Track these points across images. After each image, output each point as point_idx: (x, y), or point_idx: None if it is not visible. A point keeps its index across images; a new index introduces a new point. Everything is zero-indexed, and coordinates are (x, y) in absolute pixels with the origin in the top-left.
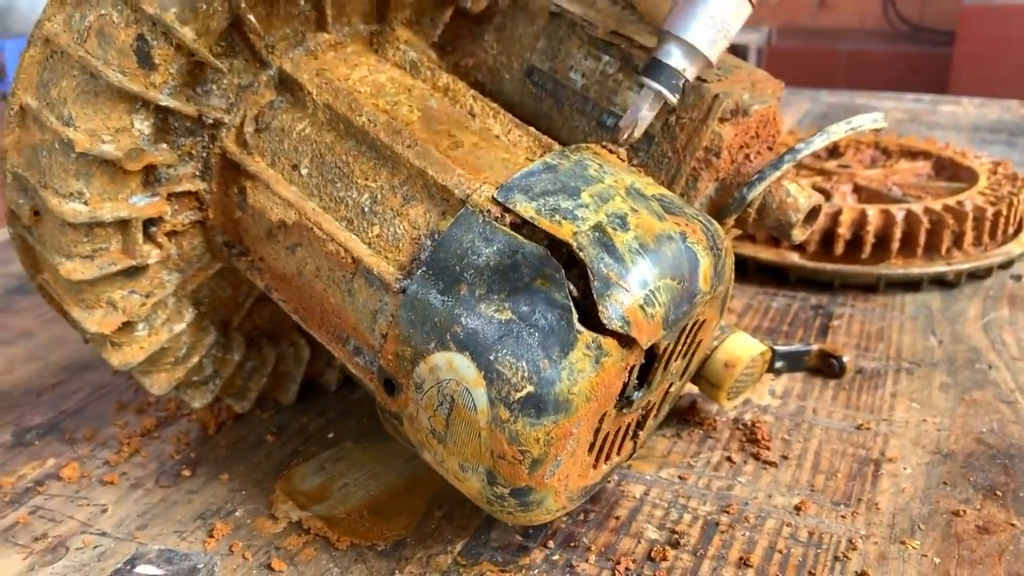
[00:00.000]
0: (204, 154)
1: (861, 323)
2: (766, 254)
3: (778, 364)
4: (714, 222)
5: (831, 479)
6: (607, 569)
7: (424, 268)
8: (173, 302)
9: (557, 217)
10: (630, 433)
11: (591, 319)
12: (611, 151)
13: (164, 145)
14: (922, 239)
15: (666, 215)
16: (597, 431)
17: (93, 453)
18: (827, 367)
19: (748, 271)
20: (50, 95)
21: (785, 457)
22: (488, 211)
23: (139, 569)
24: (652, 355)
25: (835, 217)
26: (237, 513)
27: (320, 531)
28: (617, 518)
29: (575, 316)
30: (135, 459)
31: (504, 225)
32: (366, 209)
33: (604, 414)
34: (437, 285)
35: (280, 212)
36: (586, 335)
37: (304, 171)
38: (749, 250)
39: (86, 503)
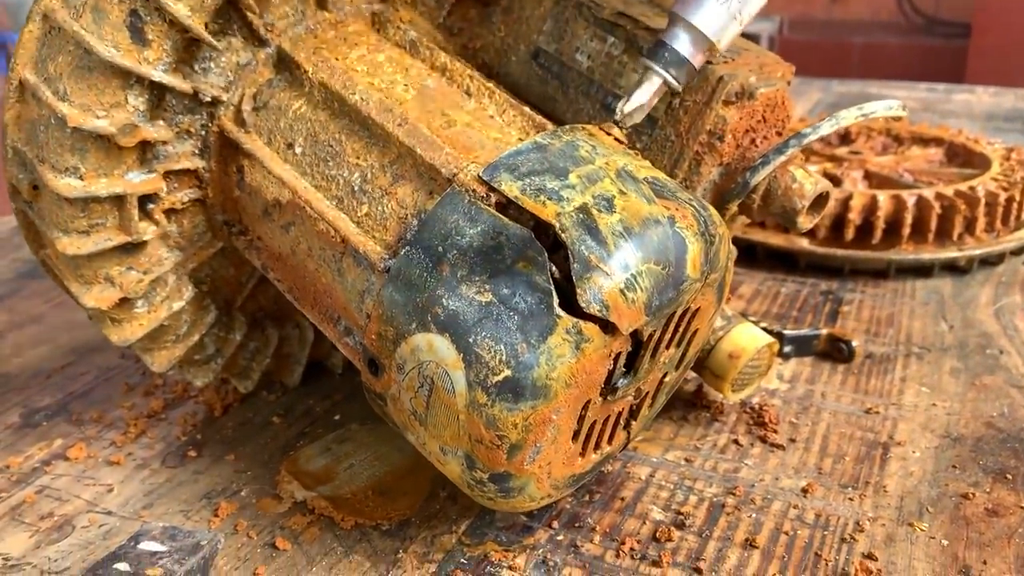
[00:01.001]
0: (203, 132)
1: (871, 308)
2: (776, 240)
3: (787, 348)
4: (709, 207)
5: (839, 462)
6: (611, 549)
7: (408, 247)
8: (173, 280)
9: (542, 197)
10: (622, 423)
11: (574, 303)
12: (609, 132)
13: (160, 122)
14: (933, 225)
15: (656, 199)
16: (582, 418)
17: (100, 434)
18: (836, 351)
19: (758, 257)
20: (47, 70)
21: (793, 440)
22: (474, 191)
23: (143, 545)
24: (640, 342)
25: (845, 203)
26: (242, 493)
27: (325, 511)
28: (622, 499)
29: (555, 300)
30: (142, 440)
31: (489, 205)
32: (356, 188)
33: (588, 401)
34: (420, 265)
35: (275, 191)
36: (566, 320)
37: (298, 150)
38: (759, 236)
39: (92, 483)
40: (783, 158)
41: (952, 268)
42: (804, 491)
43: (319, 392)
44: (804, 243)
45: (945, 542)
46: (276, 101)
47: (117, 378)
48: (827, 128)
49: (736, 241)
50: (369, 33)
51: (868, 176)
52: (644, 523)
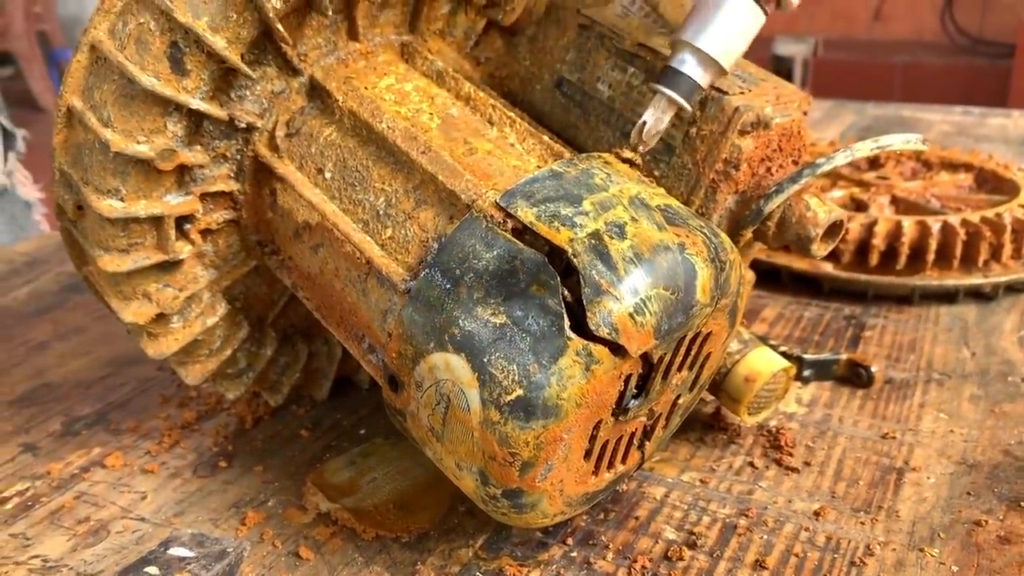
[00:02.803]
0: (238, 156)
1: (893, 334)
2: (800, 264)
3: (806, 373)
4: (721, 234)
5: (852, 486)
6: (624, 567)
7: (428, 269)
8: (207, 297)
9: (556, 223)
10: (635, 443)
11: (584, 326)
12: (626, 159)
13: (198, 147)
14: (958, 251)
15: (667, 226)
16: (593, 438)
17: (136, 443)
18: (855, 376)
19: (782, 281)
20: (93, 98)
21: (808, 464)
22: (491, 216)
23: (172, 551)
24: (651, 365)
25: (870, 228)
26: (269, 503)
27: (347, 522)
28: (636, 518)
29: (566, 323)
30: (175, 450)
31: (505, 230)
32: (381, 212)
33: (600, 421)
34: (439, 286)
35: (305, 214)
36: (576, 342)
37: (328, 175)
38: (783, 260)
39: (127, 490)
40: (797, 187)
41: (977, 295)
42: (816, 514)
43: (346, 407)
44: (828, 268)
45: (955, 568)
46: (308, 128)
47: (153, 390)
48: (841, 159)
49: (760, 265)
50: (398, 63)
51: (895, 201)
52: (657, 542)
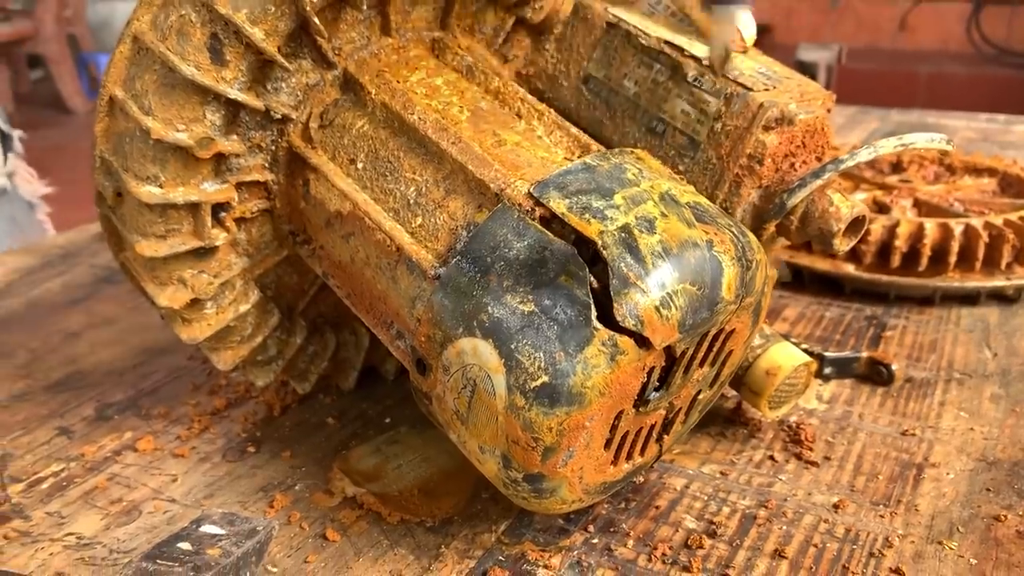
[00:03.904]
0: (273, 147)
1: (914, 334)
2: (822, 264)
3: (827, 370)
4: (749, 234)
5: (872, 480)
6: (644, 554)
7: (459, 257)
8: (240, 284)
9: (587, 215)
10: (654, 436)
11: (610, 317)
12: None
13: (234, 136)
14: (981, 253)
15: (696, 223)
16: (614, 428)
17: (167, 429)
18: (876, 374)
19: (803, 281)
20: (135, 87)
21: (828, 458)
22: (522, 206)
23: (204, 528)
24: (673, 358)
25: (892, 230)
26: (297, 487)
27: (373, 506)
28: (657, 507)
29: (593, 313)
30: (205, 435)
31: (535, 220)
32: (411, 201)
33: (621, 412)
34: (470, 274)
35: (337, 203)
36: (603, 332)
37: (360, 165)
38: (805, 260)
39: (158, 473)
40: (820, 182)
41: (999, 297)
42: (836, 507)
43: (372, 397)
44: (850, 269)
45: (974, 561)
46: (341, 120)
47: (184, 378)
48: (864, 155)
49: (782, 264)
50: (429, 58)
51: (918, 205)
52: (677, 530)
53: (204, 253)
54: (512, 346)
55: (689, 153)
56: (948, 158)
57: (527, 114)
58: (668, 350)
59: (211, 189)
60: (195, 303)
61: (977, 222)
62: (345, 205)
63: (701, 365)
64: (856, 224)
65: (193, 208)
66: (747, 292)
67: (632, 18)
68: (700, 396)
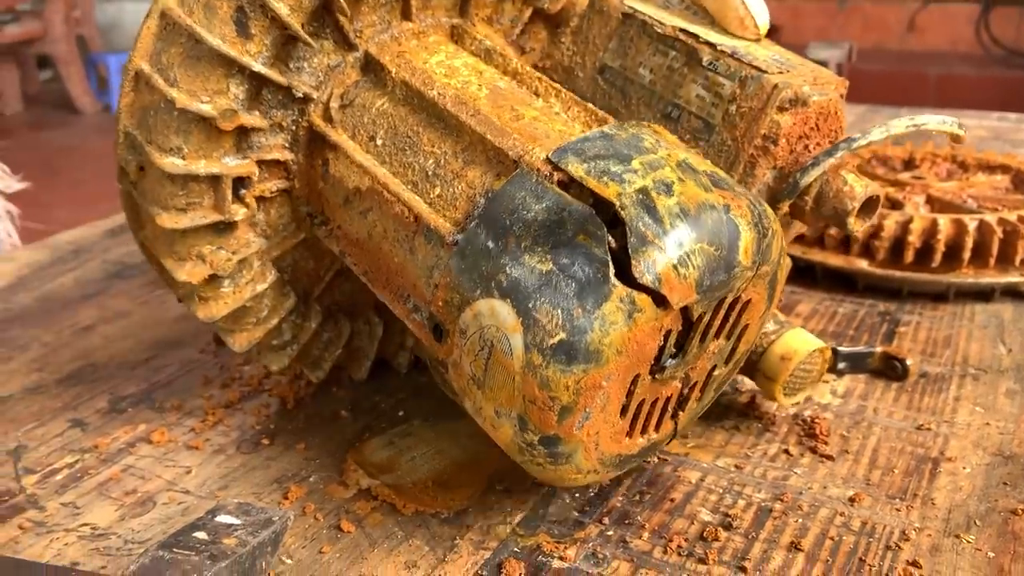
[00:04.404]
0: (293, 127)
1: (928, 330)
2: (835, 260)
3: (841, 365)
4: (764, 204)
5: (888, 474)
6: (660, 545)
7: (477, 221)
8: (258, 264)
9: (605, 179)
10: (669, 411)
11: (628, 276)
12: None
13: (256, 113)
14: (995, 249)
15: (713, 188)
16: (631, 394)
17: (180, 421)
18: (890, 369)
19: (816, 277)
20: (161, 61)
21: (843, 452)
22: (540, 170)
23: (220, 518)
24: (690, 324)
25: (905, 225)
26: (311, 479)
27: (387, 498)
28: (672, 500)
29: (612, 271)
30: (218, 428)
31: (553, 184)
32: (430, 172)
33: (638, 376)
34: (488, 236)
35: (356, 180)
36: (620, 289)
37: (379, 141)
38: (818, 256)
39: (172, 464)
40: (833, 160)
41: (1013, 293)
42: (851, 500)
43: (385, 390)
44: (863, 264)
45: (991, 554)
46: (361, 100)
47: (197, 371)
48: (877, 135)
49: (795, 261)
50: (448, 43)
51: (931, 201)
52: (692, 523)
53: (223, 229)
54: (530, 305)
55: (704, 136)
56: (961, 155)
57: (545, 92)
58: (685, 313)
59: (232, 163)
60: (213, 280)
61: (991, 218)
62: (364, 181)
63: (717, 335)
64: (870, 204)
65: (214, 181)
66: (763, 260)
67: (648, 9)
68: (715, 372)
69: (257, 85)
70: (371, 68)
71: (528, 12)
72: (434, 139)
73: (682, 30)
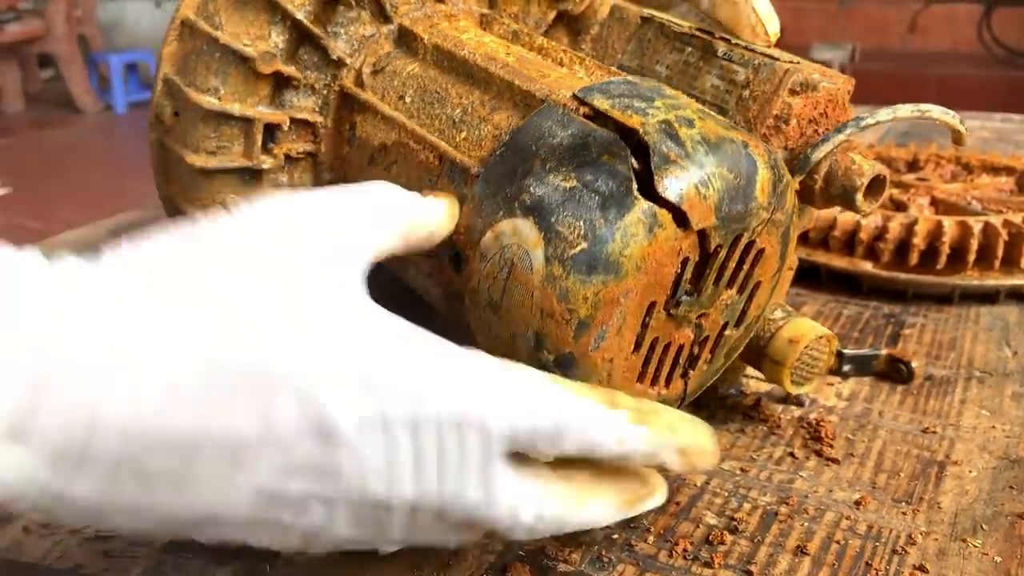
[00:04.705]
0: (325, 91)
1: (933, 332)
2: (839, 262)
3: (846, 367)
4: (777, 155)
5: (893, 478)
6: (665, 549)
7: (502, 148)
8: None
9: (629, 111)
10: (680, 365)
11: (651, 194)
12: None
13: (293, 68)
14: (1000, 251)
15: (731, 128)
16: (645, 325)
17: None
18: (895, 372)
19: (821, 279)
20: (207, 9)
21: (848, 455)
22: (565, 105)
23: None
24: (706, 258)
25: (910, 227)
26: None
27: None
28: (677, 504)
29: (635, 185)
30: None
31: (579, 115)
32: (457, 120)
33: (653, 304)
34: (513, 160)
35: (383, 136)
36: (642, 202)
37: (408, 99)
38: (822, 258)
39: None
40: (842, 137)
41: (1019, 295)
42: (857, 504)
43: None
44: (868, 266)
45: (998, 559)
46: (392, 67)
47: None
48: (884, 115)
49: (800, 263)
50: (477, 27)
51: (935, 203)
52: (698, 527)
53: (249, 178)
54: (552, 219)
55: None
56: (965, 156)
57: (569, 62)
58: (703, 243)
59: (265, 111)
60: None
61: (996, 220)
62: (390, 136)
63: (731, 284)
64: (877, 183)
65: (246, 125)
66: (778, 205)
67: (666, 16)
68: (727, 331)
69: (297, 39)
70: (404, 40)
71: (552, 15)
72: (462, 92)
73: (699, 28)
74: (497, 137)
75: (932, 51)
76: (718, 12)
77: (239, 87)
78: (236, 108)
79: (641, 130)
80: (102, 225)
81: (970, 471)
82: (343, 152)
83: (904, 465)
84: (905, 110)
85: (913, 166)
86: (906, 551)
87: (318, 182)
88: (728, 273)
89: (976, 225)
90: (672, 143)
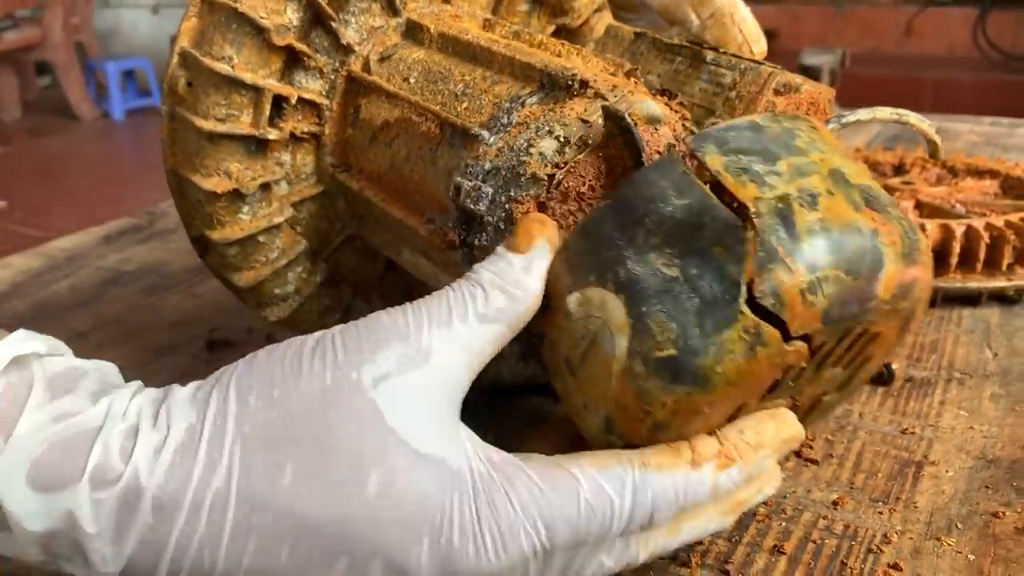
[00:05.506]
0: (332, 76)
1: (915, 334)
2: None
3: None
4: (920, 234)
5: (871, 478)
6: None
7: (609, 202)
8: (276, 202)
9: (744, 177)
10: None
11: (750, 293)
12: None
13: (304, 47)
14: (982, 254)
15: (864, 207)
16: (731, 419)
17: None
18: (876, 374)
19: None
20: None
21: (828, 456)
22: (687, 161)
23: None
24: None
25: None
26: None
27: None
28: None
29: (743, 296)
30: None
31: (701, 182)
32: (459, 93)
33: (742, 406)
34: (618, 220)
35: (385, 113)
36: (748, 318)
37: (412, 80)
38: None
39: None
40: None
41: (1000, 298)
42: (835, 504)
43: None
44: None
45: (972, 557)
46: (399, 55)
47: (190, 377)
48: (864, 114)
49: None
50: (480, 28)
51: (920, 206)
52: None
53: (255, 149)
54: (644, 308)
55: (705, 120)
56: (951, 160)
57: (567, 52)
58: (807, 341)
59: (275, 83)
60: (235, 197)
61: (978, 223)
62: (393, 113)
63: (835, 365)
64: None
65: (256, 95)
66: (904, 296)
67: (658, 33)
68: (825, 398)
69: (311, 20)
70: (411, 32)
71: (551, 29)
72: (465, 71)
73: (689, 40)
74: (497, 104)
75: (927, 55)
76: (707, 34)
77: (253, 57)
78: (248, 77)
79: (753, 209)
80: (94, 232)
81: (947, 471)
82: (346, 134)
83: (882, 466)
84: (884, 112)
85: (899, 170)
86: (881, 550)
87: (319, 167)
88: (832, 359)
89: (958, 228)
90: (784, 233)
